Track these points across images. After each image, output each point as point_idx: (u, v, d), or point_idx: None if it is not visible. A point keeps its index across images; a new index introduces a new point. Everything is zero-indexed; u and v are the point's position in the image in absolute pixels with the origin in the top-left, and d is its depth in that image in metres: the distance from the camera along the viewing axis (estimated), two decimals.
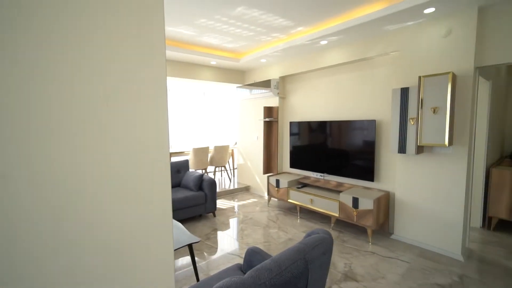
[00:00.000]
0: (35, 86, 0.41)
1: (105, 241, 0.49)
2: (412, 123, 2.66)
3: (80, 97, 0.45)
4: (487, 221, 3.22)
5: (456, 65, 2.49)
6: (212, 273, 2.32)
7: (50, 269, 0.44)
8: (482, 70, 2.68)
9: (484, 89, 3.22)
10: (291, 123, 4.28)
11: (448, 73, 2.39)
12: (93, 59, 0.46)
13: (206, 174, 4.57)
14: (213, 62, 4.38)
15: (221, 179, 5.99)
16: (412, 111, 2.66)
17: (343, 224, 3.42)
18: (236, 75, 5.05)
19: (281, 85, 4.47)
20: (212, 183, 3.66)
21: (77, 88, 0.45)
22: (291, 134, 4.29)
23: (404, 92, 2.72)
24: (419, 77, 2.55)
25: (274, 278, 0.87)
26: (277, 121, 4.49)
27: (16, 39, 0.39)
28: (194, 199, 3.49)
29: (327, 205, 3.32)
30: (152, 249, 0.55)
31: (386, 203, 3.06)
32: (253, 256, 1.66)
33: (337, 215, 3.20)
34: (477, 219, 3.27)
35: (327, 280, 2.16)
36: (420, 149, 2.68)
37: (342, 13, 2.73)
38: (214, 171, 5.70)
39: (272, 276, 0.87)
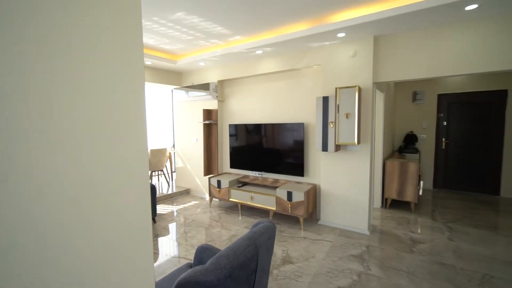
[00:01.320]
0: (33, 89, 0.44)
1: (99, 243, 0.57)
2: (332, 126, 3.21)
3: (77, 99, 0.51)
4: (384, 201, 4.14)
5: (361, 80, 3.15)
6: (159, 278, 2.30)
7: (48, 271, 0.49)
8: (378, 85, 3.44)
9: (380, 100, 4.11)
10: (230, 125, 4.47)
11: (355, 86, 3.00)
12: (86, 64, 0.52)
13: None
14: (148, 62, 4.19)
15: (159, 183, 5.72)
16: (331, 116, 3.21)
17: (280, 216, 3.82)
18: (173, 76, 4.92)
19: (220, 89, 4.60)
20: (152, 188, 3.52)
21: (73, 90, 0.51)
22: (230, 135, 4.48)
23: (325, 100, 3.25)
24: (336, 88, 3.11)
25: (232, 262, 1.03)
26: (216, 124, 4.61)
27: (15, 40, 0.42)
28: None
29: (265, 201, 3.65)
30: (135, 248, 0.64)
31: (314, 194, 3.58)
32: (203, 253, 1.76)
33: (274, 208, 3.56)
34: (378, 201, 4.16)
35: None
36: (337, 147, 3.26)
37: (275, 28, 3.07)
38: (151, 176, 5.40)
39: (230, 261, 1.03)
